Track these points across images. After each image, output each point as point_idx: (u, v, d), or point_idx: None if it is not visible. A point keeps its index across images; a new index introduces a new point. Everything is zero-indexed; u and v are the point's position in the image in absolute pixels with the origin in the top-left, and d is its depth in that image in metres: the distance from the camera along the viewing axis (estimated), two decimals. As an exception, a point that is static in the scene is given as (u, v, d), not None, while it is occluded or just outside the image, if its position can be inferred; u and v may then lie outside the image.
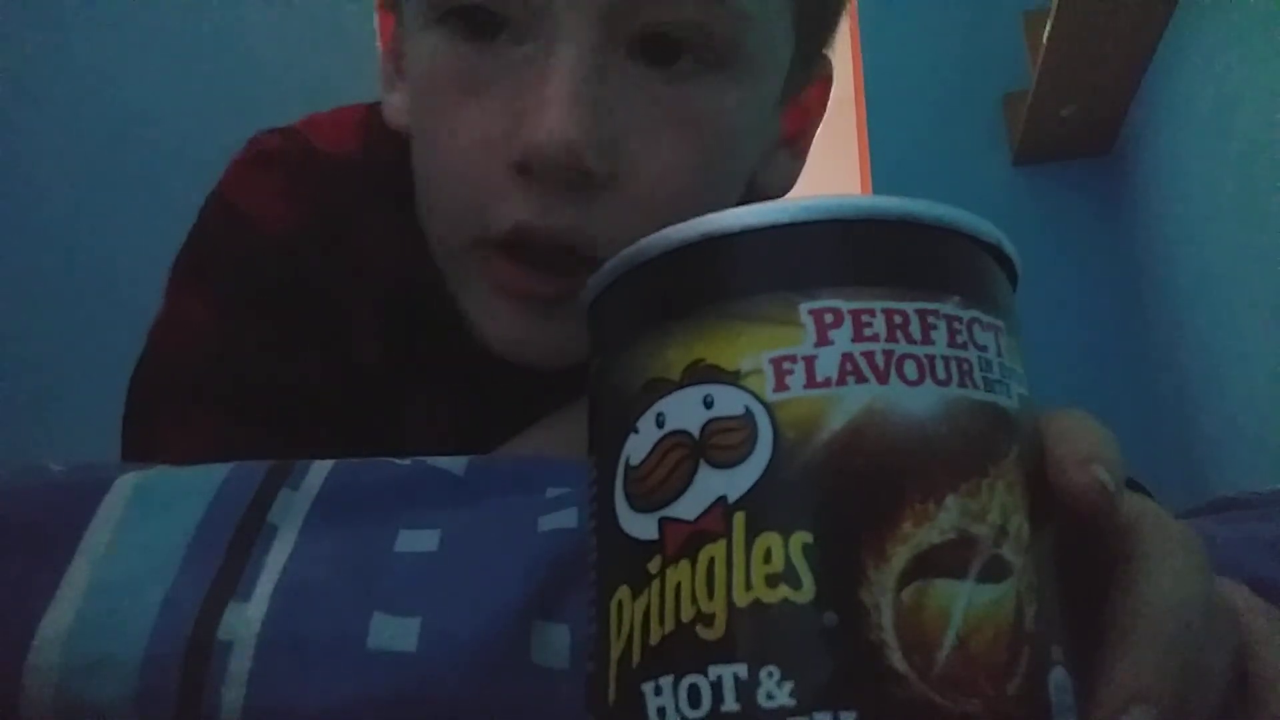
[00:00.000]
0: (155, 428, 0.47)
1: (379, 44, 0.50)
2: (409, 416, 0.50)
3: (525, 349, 0.43)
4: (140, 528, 0.29)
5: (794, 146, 0.51)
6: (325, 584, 0.28)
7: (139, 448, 0.47)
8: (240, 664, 0.27)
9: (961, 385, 0.20)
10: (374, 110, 0.51)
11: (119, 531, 0.29)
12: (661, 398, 0.21)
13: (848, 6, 0.49)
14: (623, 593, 0.20)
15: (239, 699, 0.26)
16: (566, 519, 0.30)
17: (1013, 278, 0.24)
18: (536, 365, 0.44)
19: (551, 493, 0.31)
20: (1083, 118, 1.87)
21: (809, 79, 0.49)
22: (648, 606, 0.20)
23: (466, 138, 0.41)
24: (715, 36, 0.40)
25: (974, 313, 0.21)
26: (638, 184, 0.40)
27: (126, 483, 0.31)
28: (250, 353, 0.47)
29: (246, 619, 0.27)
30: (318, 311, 0.48)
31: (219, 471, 0.31)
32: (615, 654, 0.20)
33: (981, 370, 0.21)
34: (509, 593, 0.28)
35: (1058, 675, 0.19)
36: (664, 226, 0.43)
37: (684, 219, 0.46)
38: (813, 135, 0.52)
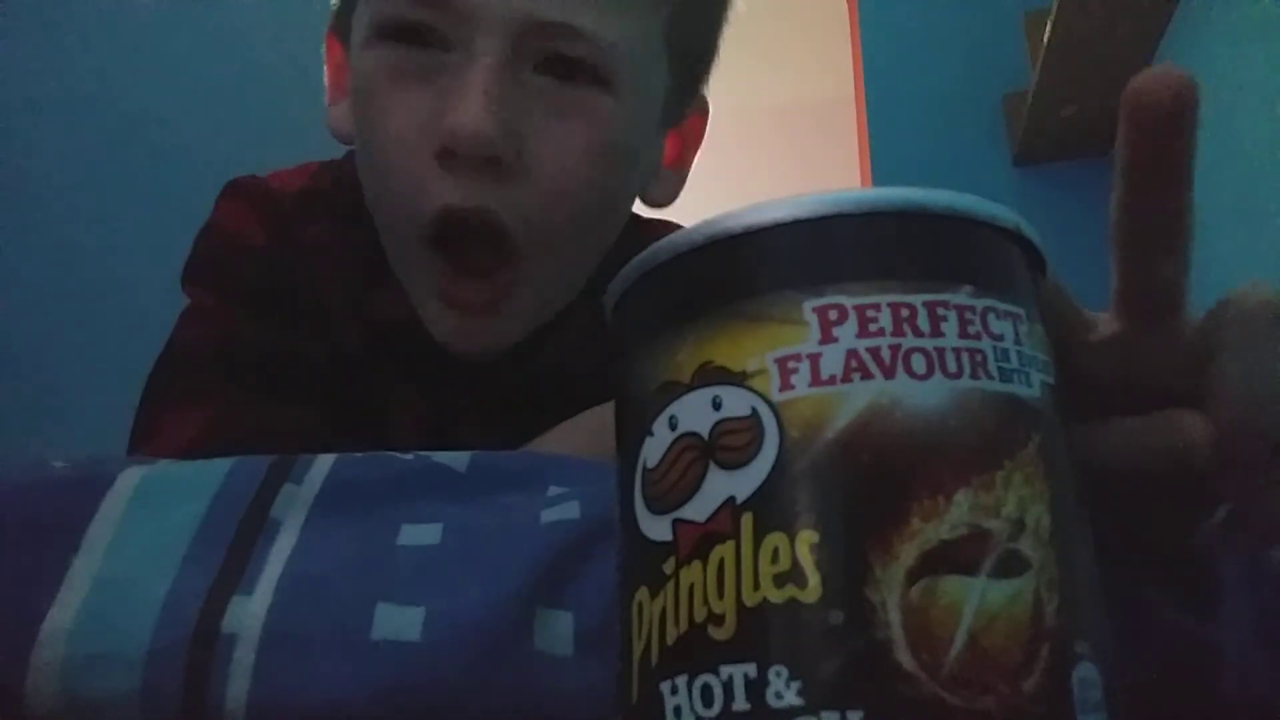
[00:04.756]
0: (164, 406, 0.52)
1: (325, 65, 0.60)
2: (392, 404, 0.56)
3: (464, 344, 0.52)
4: (144, 523, 0.30)
5: (676, 167, 0.62)
6: (328, 577, 0.28)
7: (145, 427, 0.52)
8: (244, 656, 0.27)
9: (974, 377, 0.20)
10: (330, 162, 0.62)
11: (122, 527, 0.29)
12: (674, 400, 0.21)
13: (718, 55, 0.61)
14: (642, 594, 0.21)
15: (243, 691, 0.26)
16: (568, 511, 0.30)
17: (1038, 264, 0.23)
18: (477, 357, 0.53)
19: (553, 491, 0.32)
20: (1083, 118, 1.87)
21: (685, 111, 0.61)
22: (664, 607, 0.20)
23: (397, 127, 0.49)
24: (599, 66, 0.50)
25: (988, 301, 0.21)
26: (543, 173, 0.49)
27: (130, 478, 0.31)
28: (251, 333, 0.54)
29: (250, 612, 0.27)
30: (301, 308, 0.56)
31: (221, 466, 0.32)
32: (637, 654, 0.20)
33: (997, 360, 0.20)
34: (512, 580, 0.28)
35: (1083, 671, 0.19)
36: (570, 213, 0.51)
37: (587, 212, 0.52)
38: (691, 159, 0.63)
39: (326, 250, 0.57)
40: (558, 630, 0.28)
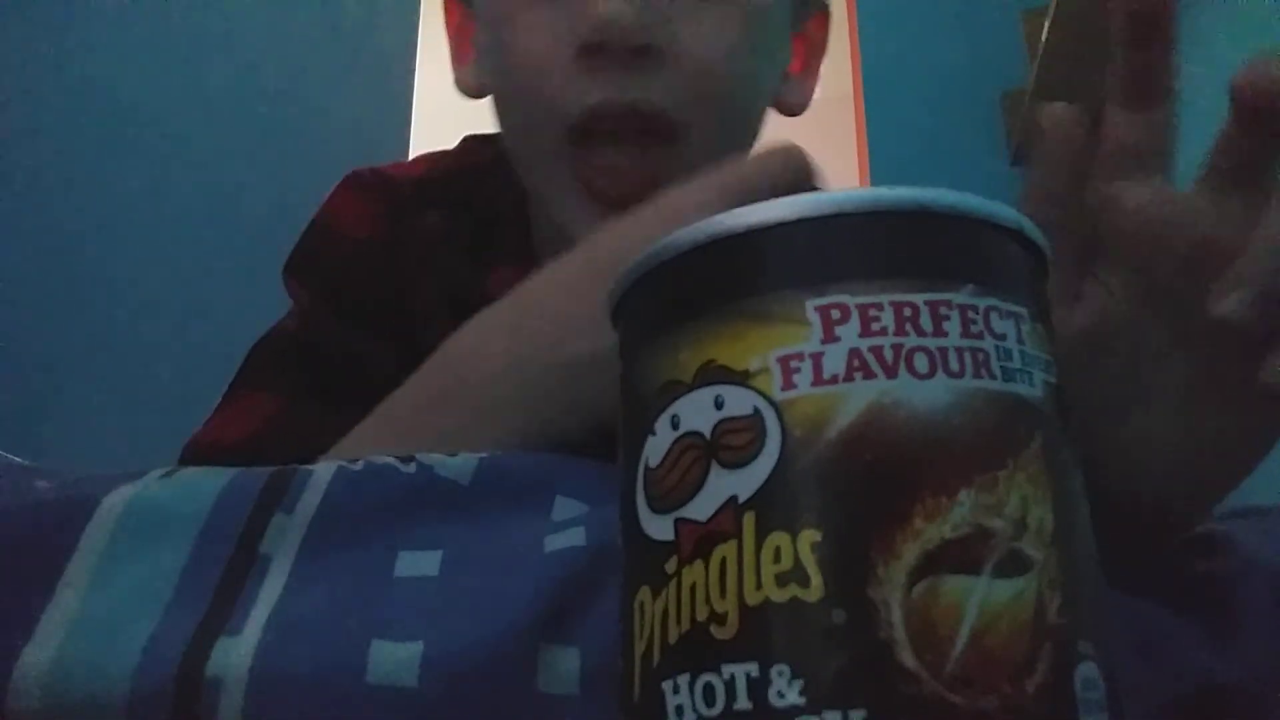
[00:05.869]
0: (241, 386, 0.54)
1: (446, 31, 0.60)
2: None
3: None
4: (127, 559, 0.28)
5: (804, 74, 0.61)
6: (321, 615, 0.27)
7: (222, 402, 0.54)
8: (232, 702, 0.26)
9: (977, 376, 0.20)
10: (445, 151, 0.62)
11: (104, 562, 0.28)
12: (676, 399, 0.21)
13: None
14: (644, 593, 0.21)
15: None
16: (574, 538, 0.29)
17: (1041, 263, 0.23)
18: None
19: (559, 511, 0.31)
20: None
21: (809, 11, 0.60)
22: (666, 606, 0.20)
23: (538, 39, 0.48)
24: None
25: (990, 301, 0.21)
26: (692, 58, 0.47)
27: (113, 505, 0.29)
28: (332, 331, 0.55)
29: (237, 654, 0.26)
30: (389, 302, 0.56)
31: (210, 491, 0.30)
32: (638, 653, 0.20)
33: (1000, 360, 0.20)
34: (514, 617, 0.27)
35: (1086, 671, 0.19)
36: (721, 103, 0.50)
37: (738, 95, 0.51)
38: (819, 63, 0.62)
39: (438, 238, 0.57)
40: (564, 668, 0.27)
